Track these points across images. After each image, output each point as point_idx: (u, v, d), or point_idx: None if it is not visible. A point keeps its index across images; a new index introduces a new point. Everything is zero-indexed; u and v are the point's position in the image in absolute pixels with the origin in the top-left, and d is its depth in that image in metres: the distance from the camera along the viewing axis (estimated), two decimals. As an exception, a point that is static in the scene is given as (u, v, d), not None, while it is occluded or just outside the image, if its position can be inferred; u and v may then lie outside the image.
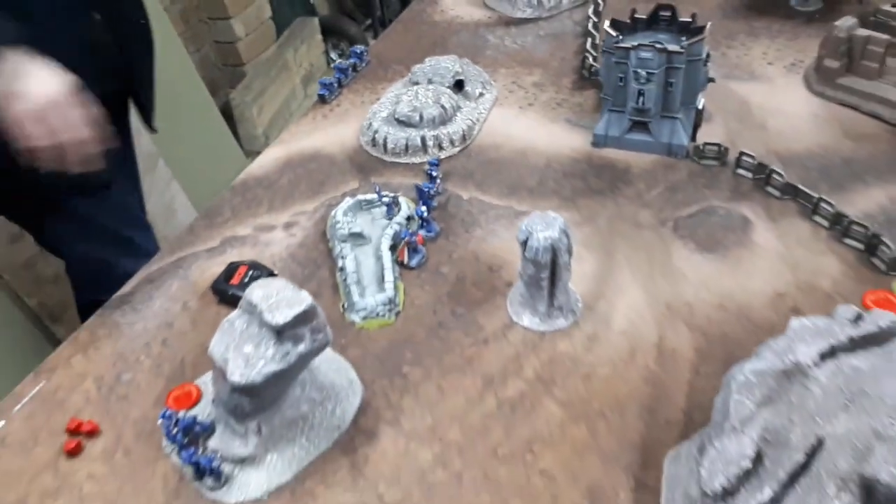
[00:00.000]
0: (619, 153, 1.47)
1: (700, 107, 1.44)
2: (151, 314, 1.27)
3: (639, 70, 1.34)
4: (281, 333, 0.94)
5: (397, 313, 1.19)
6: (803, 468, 0.77)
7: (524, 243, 1.05)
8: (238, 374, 0.93)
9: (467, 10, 2.14)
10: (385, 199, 1.36)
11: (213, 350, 0.96)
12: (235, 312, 0.99)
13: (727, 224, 1.26)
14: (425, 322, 1.17)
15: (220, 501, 1.00)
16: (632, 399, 1.00)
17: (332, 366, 1.15)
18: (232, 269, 1.30)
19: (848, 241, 1.17)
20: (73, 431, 1.08)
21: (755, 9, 1.92)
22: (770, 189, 1.30)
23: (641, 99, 1.37)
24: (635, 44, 1.32)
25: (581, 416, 0.98)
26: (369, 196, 1.40)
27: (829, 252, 1.17)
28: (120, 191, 1.74)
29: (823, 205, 1.20)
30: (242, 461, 1.02)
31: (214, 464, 0.98)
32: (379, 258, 1.29)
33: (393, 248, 1.29)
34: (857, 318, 0.83)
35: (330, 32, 4.56)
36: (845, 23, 1.46)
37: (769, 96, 1.57)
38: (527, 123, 1.62)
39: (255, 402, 0.98)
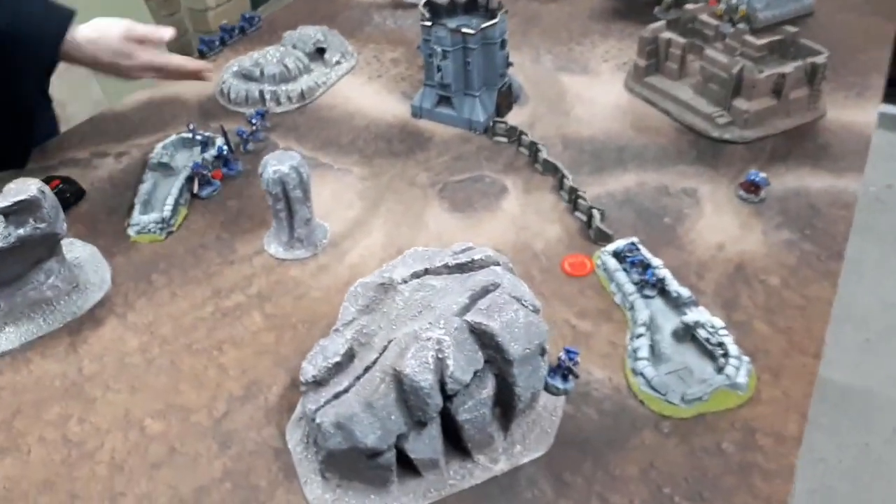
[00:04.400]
0: (430, 124, 1.62)
1: (506, 88, 1.58)
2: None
3: (435, 47, 1.49)
4: (6, 217, 1.11)
5: (169, 233, 1.35)
6: (374, 364, 0.92)
7: (261, 175, 1.20)
8: (-34, 247, 1.10)
9: (366, -11, 2.29)
10: (199, 137, 1.53)
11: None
12: (-10, 207, 1.16)
13: (486, 191, 1.40)
14: (190, 242, 1.33)
15: (-48, 359, 1.17)
16: (326, 318, 1.16)
17: (92, 266, 1.32)
18: (47, 180, 1.47)
19: (577, 213, 1.30)
20: None
21: (620, 14, 2.05)
22: (536, 165, 1.44)
23: (440, 74, 1.52)
24: (430, 24, 1.47)
25: (276, 327, 1.14)
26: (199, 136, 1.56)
27: (557, 222, 1.31)
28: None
29: (565, 181, 1.34)
30: (-20, 330, 1.19)
31: (-50, 328, 1.15)
32: (177, 187, 1.45)
33: (191, 178, 1.45)
34: (466, 250, 0.97)
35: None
36: (655, 25, 1.59)
37: (587, 88, 1.70)
38: (368, 91, 1.78)
39: (-13, 276, 1.15)
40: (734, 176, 1.39)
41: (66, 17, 1.35)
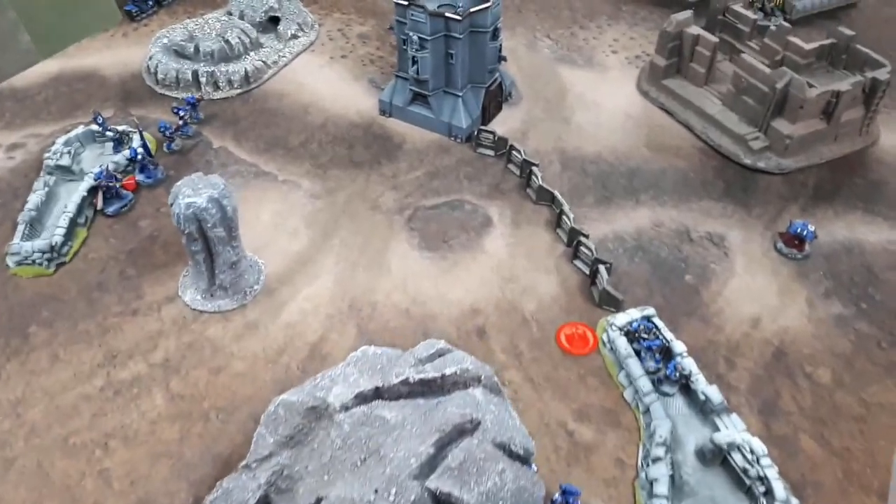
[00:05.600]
0: (402, 125, 1.30)
1: (495, 86, 1.27)
2: None
3: (411, 34, 1.16)
4: None
5: (60, 264, 1.03)
6: (297, 529, 0.63)
7: (171, 207, 0.89)
8: None
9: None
10: (110, 133, 1.19)
11: None
12: None
13: (467, 222, 1.10)
14: (86, 279, 1.01)
15: None
16: (250, 403, 0.86)
17: None
18: None
19: (578, 262, 1.01)
20: None
21: (633, -9, 1.72)
22: (529, 190, 1.14)
23: (416, 67, 1.19)
24: (406, 3, 1.14)
25: (182, 415, 0.84)
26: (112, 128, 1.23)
27: (553, 271, 1.02)
28: None
29: (564, 218, 1.04)
30: None
31: None
32: (77, 199, 1.13)
33: (95, 189, 1.12)
34: (434, 356, 0.68)
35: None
36: (680, 16, 1.27)
37: (593, 87, 1.39)
38: (329, 76, 1.44)
39: None
40: (770, 219, 1.10)
41: None
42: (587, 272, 1.02)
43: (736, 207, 1.15)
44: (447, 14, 1.21)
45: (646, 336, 0.97)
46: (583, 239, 1.03)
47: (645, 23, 1.69)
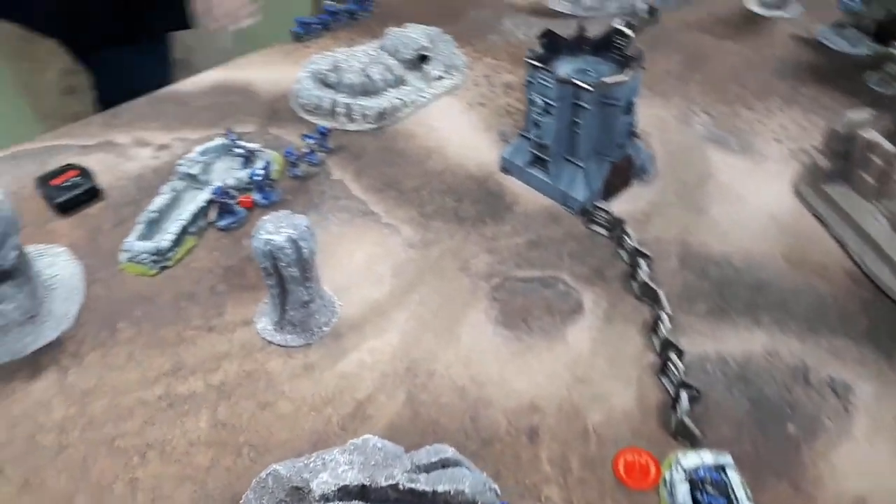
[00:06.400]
0: (518, 185, 1.26)
1: (624, 161, 1.19)
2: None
3: (535, 97, 1.12)
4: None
5: (163, 267, 1.11)
6: None
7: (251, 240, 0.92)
8: None
9: (505, -15, 1.93)
10: (240, 150, 1.27)
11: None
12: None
13: (555, 305, 1.04)
14: (181, 287, 1.08)
15: None
16: (283, 448, 0.87)
17: (65, 293, 1.11)
18: (62, 170, 1.29)
19: (665, 379, 0.91)
20: None
21: (818, 73, 1.54)
22: (634, 283, 1.05)
23: (537, 131, 1.15)
24: (538, 65, 1.10)
25: (218, 443, 0.86)
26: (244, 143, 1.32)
27: (634, 383, 0.93)
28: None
29: (661, 324, 0.94)
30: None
31: None
32: (199, 207, 1.22)
33: (213, 200, 1.20)
34: (436, 465, 0.63)
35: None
36: (856, 115, 1.12)
37: (742, 178, 1.26)
38: (462, 122, 1.44)
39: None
40: (917, 378, 0.91)
41: None
42: (672, 393, 0.87)
43: (876, 355, 0.92)
44: (577, 81, 1.11)
45: (710, 490, 0.79)
46: (673, 356, 0.88)
47: (824, 111, 1.44)
